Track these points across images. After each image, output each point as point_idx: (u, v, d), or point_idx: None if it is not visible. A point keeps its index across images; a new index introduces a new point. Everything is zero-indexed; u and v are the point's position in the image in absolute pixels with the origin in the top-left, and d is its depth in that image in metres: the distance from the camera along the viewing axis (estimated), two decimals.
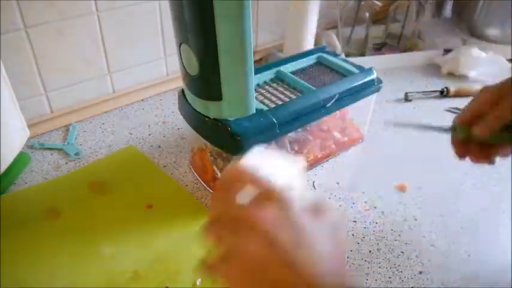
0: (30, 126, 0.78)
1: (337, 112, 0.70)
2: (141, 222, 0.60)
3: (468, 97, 0.94)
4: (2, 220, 0.62)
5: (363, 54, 1.08)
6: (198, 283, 0.54)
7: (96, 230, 0.61)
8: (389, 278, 0.57)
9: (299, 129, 0.66)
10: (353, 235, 0.62)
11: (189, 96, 0.61)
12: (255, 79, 0.58)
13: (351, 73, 0.71)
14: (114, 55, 0.84)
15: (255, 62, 0.99)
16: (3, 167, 0.66)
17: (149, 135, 0.81)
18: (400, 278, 0.57)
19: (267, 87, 0.69)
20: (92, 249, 0.58)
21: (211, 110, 0.58)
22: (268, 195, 0.34)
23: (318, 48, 0.78)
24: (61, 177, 0.71)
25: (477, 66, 0.99)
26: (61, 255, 0.53)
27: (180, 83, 0.63)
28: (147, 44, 0.88)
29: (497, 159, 0.48)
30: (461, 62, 0.99)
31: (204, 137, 0.62)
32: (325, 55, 0.76)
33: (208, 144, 0.63)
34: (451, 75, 1.02)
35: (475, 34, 1.09)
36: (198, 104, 0.59)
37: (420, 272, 0.58)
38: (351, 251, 0.60)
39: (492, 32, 1.06)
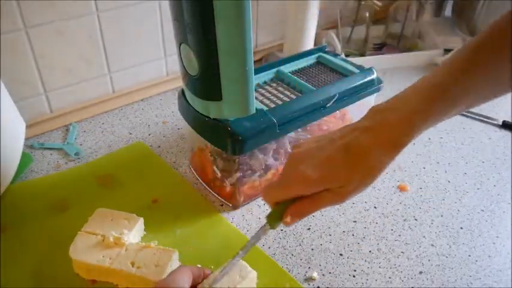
0: (30, 126, 0.78)
1: (337, 112, 0.70)
2: (146, 217, 0.60)
3: None
4: (8, 210, 0.64)
5: (362, 54, 1.08)
6: None
7: None
8: (389, 278, 0.57)
9: (299, 129, 0.66)
10: (353, 235, 0.62)
11: (189, 96, 0.61)
12: (255, 79, 0.58)
13: (351, 73, 0.71)
14: (114, 55, 0.84)
15: (255, 62, 0.99)
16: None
17: (149, 135, 0.81)
18: (400, 278, 0.57)
19: (267, 87, 0.68)
20: None
21: (211, 110, 0.58)
22: None
23: (318, 48, 0.78)
24: (69, 170, 0.72)
25: None
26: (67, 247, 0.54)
27: (180, 83, 0.63)
28: (147, 44, 0.88)
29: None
30: None
31: (204, 137, 0.62)
32: (325, 55, 0.76)
33: (208, 144, 0.63)
34: None
35: (475, 34, 1.08)
36: (198, 104, 0.59)
37: (420, 272, 0.58)
38: (351, 251, 0.60)
39: None
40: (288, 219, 0.43)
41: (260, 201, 0.67)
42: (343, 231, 0.63)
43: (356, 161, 0.41)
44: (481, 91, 0.41)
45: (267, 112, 0.60)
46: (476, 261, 0.59)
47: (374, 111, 0.43)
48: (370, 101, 0.75)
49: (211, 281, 0.46)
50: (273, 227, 0.45)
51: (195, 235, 0.61)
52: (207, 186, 0.69)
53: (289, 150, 0.67)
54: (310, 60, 0.75)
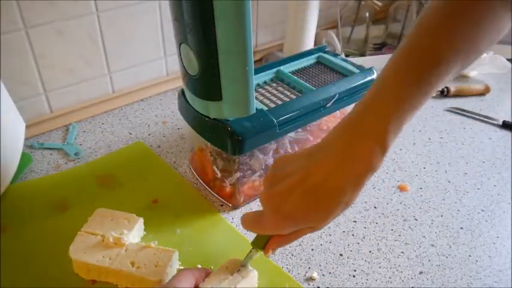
0: (30, 126, 0.78)
1: (337, 112, 0.70)
2: (146, 217, 0.60)
3: (468, 97, 0.94)
4: (8, 210, 0.63)
5: (363, 54, 1.08)
6: None
7: None
8: (390, 278, 0.57)
9: (299, 129, 0.66)
10: (353, 235, 0.62)
11: (189, 96, 0.61)
12: (255, 79, 0.58)
13: (351, 73, 0.71)
14: (114, 55, 0.84)
15: (255, 62, 0.99)
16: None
17: (149, 135, 0.81)
18: (400, 278, 0.57)
19: (267, 87, 0.68)
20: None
21: (211, 110, 0.58)
22: None
23: (318, 48, 0.78)
24: (69, 170, 0.72)
25: (477, 66, 0.99)
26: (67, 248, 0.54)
27: (180, 83, 0.63)
28: (147, 44, 0.88)
29: None
30: None
31: (204, 137, 0.62)
32: (325, 55, 0.76)
33: (208, 144, 0.63)
34: None
35: None
36: (198, 104, 0.59)
37: (420, 272, 0.58)
38: (351, 251, 0.60)
39: None
40: (270, 253, 0.48)
41: None
42: (343, 231, 0.63)
43: (329, 203, 0.41)
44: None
45: (267, 112, 0.60)
46: (476, 261, 0.59)
47: (344, 128, 0.41)
48: None
49: None
50: (259, 250, 0.49)
51: (195, 235, 0.61)
52: (207, 186, 0.69)
53: (289, 150, 0.67)
54: (310, 60, 0.75)
